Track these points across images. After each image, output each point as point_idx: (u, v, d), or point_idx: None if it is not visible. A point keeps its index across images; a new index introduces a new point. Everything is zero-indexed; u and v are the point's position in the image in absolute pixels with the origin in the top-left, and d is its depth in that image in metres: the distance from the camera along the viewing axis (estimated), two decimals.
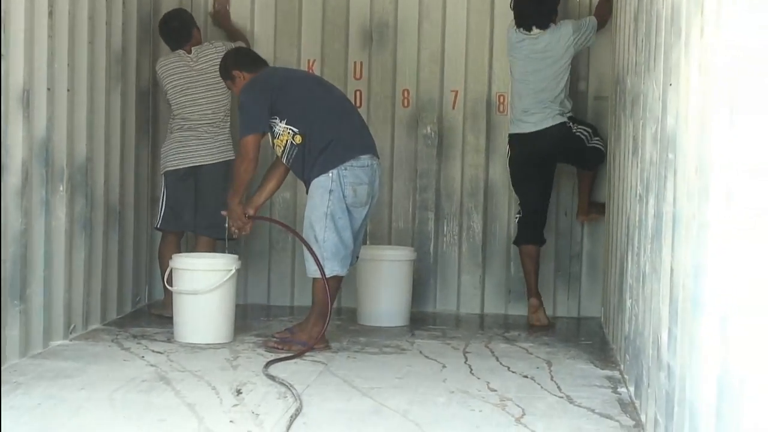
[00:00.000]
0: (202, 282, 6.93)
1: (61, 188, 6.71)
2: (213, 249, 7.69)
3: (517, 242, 8.25)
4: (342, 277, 6.81)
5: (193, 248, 7.97)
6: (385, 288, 7.88)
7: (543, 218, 8.18)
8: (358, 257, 7.10)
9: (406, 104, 8.61)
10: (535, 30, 8.06)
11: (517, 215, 8.25)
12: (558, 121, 8.07)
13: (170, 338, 7.03)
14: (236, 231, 6.93)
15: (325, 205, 6.61)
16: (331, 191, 6.61)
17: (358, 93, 8.59)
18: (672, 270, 4.27)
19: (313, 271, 6.69)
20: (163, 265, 7.78)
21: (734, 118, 3.23)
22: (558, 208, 8.44)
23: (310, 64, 8.59)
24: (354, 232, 6.75)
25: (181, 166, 7.82)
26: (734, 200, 3.19)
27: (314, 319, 6.74)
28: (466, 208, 8.58)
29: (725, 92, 3.36)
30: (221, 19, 8.60)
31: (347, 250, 6.71)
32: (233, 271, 6.95)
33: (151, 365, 6.24)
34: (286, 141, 6.72)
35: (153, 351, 6.66)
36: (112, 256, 7.62)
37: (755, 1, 3.04)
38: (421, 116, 8.60)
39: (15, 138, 6.12)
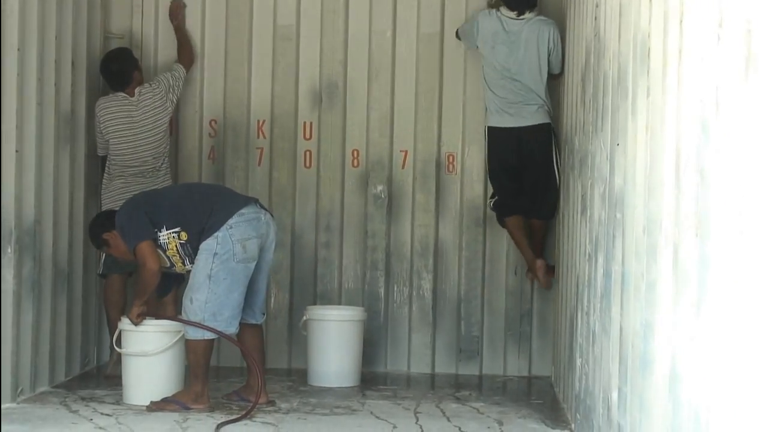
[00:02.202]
0: (152, 343, 6.88)
1: (9, 250, 6.66)
2: None
3: (499, 219, 8.28)
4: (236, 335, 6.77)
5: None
6: (336, 348, 7.85)
7: (520, 197, 8.19)
8: (264, 313, 7.07)
9: (355, 164, 8.63)
10: (527, 14, 8.11)
11: (491, 199, 8.29)
12: (544, 120, 8.09)
13: (119, 400, 6.96)
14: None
15: (209, 267, 6.58)
16: (215, 254, 6.56)
17: (308, 153, 8.61)
18: (621, 329, 4.29)
19: (190, 332, 6.65)
20: (110, 311, 7.75)
21: (681, 178, 3.27)
22: (507, 267, 8.46)
23: (260, 125, 8.61)
24: (246, 287, 6.70)
25: None
26: (681, 259, 3.22)
27: (192, 379, 6.70)
28: (416, 267, 8.59)
29: (672, 152, 3.40)
30: (175, 19, 8.55)
31: (233, 311, 6.64)
32: (182, 333, 6.91)
33: (100, 428, 6.18)
34: (176, 246, 6.71)
35: (102, 413, 6.59)
36: (60, 318, 7.55)
37: (699, 63, 3.09)
38: (370, 176, 8.62)
39: None
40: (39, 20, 7.01)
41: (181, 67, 8.30)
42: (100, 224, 7.04)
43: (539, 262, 8.18)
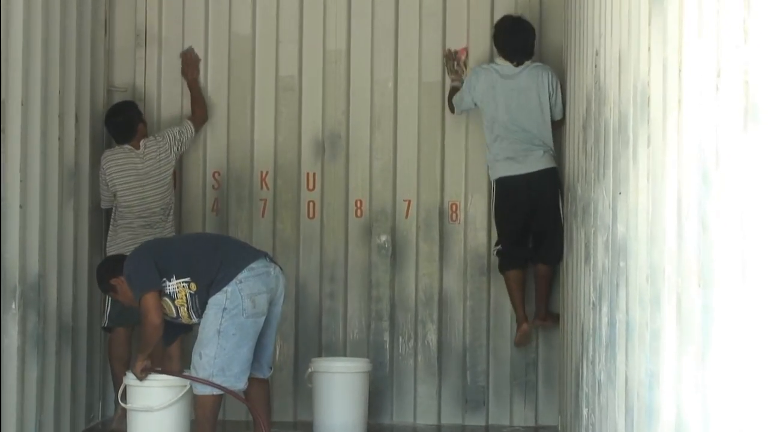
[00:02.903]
0: (157, 399, 6.85)
1: (14, 306, 6.66)
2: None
3: (500, 269, 8.26)
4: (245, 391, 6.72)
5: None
6: (342, 400, 7.82)
7: (525, 248, 8.19)
8: (271, 367, 7.02)
9: (359, 214, 8.64)
10: (526, 63, 8.13)
11: (496, 246, 8.28)
12: (551, 165, 8.11)
13: None
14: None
15: (218, 322, 6.52)
16: (224, 309, 6.51)
17: (311, 204, 8.62)
18: (627, 379, 4.27)
19: (198, 387, 6.62)
20: (115, 365, 7.73)
21: (683, 227, 3.26)
22: (512, 316, 8.43)
23: (263, 176, 8.62)
24: (255, 342, 6.64)
25: None
26: (685, 309, 3.21)
27: None
28: (420, 317, 8.57)
29: (673, 201, 3.39)
30: (189, 71, 8.58)
31: (242, 366, 6.57)
32: (188, 387, 6.88)
33: None
34: (185, 295, 6.66)
35: None
36: (65, 373, 7.53)
37: (698, 112, 3.09)
38: (374, 226, 8.62)
39: None
40: (42, 74, 7.05)
41: (191, 124, 8.31)
42: (108, 269, 6.99)
43: (524, 325, 8.17)
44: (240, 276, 6.54)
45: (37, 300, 7.00)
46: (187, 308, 6.66)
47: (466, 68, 8.47)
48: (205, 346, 6.54)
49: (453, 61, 8.49)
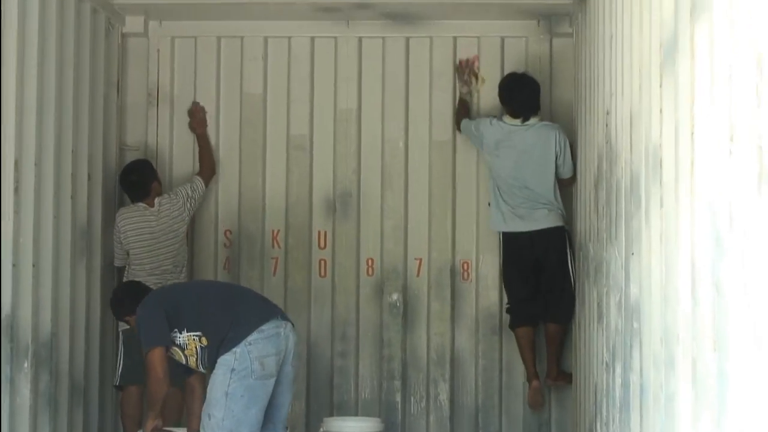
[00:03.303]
0: None
1: (26, 365, 6.65)
2: (181, 398, 7.57)
3: (510, 326, 8.25)
4: None
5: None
6: None
7: (534, 306, 8.16)
8: (287, 427, 6.92)
9: (370, 273, 8.63)
10: (531, 119, 8.16)
11: (507, 304, 8.28)
12: (557, 223, 8.10)
13: None
14: None
15: (226, 384, 6.46)
16: (233, 370, 6.45)
17: (322, 263, 8.62)
18: None
19: None
20: (127, 424, 7.69)
21: (696, 290, 3.26)
22: (525, 377, 8.37)
23: (275, 234, 8.63)
24: (265, 404, 6.55)
25: None
26: (700, 372, 3.20)
27: None
28: (432, 376, 8.54)
29: (687, 264, 3.39)
30: (197, 125, 8.61)
31: (251, 428, 6.47)
32: None
33: None
34: (195, 348, 6.63)
35: None
36: None
37: (711, 176, 3.10)
38: (385, 285, 8.61)
39: None
40: (56, 134, 7.08)
41: (201, 180, 8.34)
42: (121, 304, 7.00)
43: (535, 383, 8.14)
44: (249, 338, 6.48)
45: (49, 359, 6.99)
46: (196, 360, 6.62)
47: (477, 78, 8.49)
48: (214, 407, 6.49)
49: (466, 70, 8.50)
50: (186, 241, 8.28)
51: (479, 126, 8.24)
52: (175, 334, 6.57)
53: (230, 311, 6.59)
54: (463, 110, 8.45)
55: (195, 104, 8.65)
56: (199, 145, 8.55)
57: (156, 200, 8.10)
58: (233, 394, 6.42)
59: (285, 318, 6.77)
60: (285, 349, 6.59)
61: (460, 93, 8.52)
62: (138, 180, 8.15)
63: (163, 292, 6.95)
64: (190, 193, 8.23)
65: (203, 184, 8.36)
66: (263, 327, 6.52)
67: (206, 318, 6.59)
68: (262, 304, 6.85)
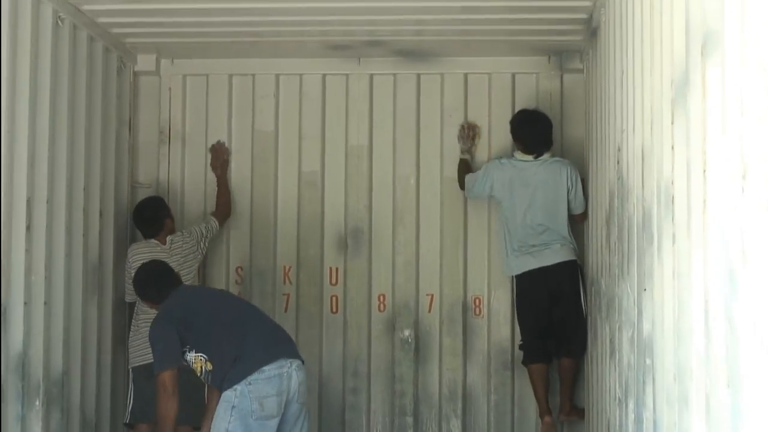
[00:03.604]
0: None
1: (37, 403, 6.65)
2: None
3: (524, 362, 8.23)
4: None
5: None
6: None
7: (548, 342, 8.14)
8: None
9: (382, 309, 8.63)
10: (544, 155, 8.17)
11: (520, 341, 8.26)
12: (569, 258, 8.10)
13: None
14: None
15: (227, 421, 6.43)
16: (233, 407, 6.42)
17: (334, 298, 8.62)
18: None
19: None
20: None
21: (710, 327, 3.26)
22: (537, 412, 8.35)
23: (286, 270, 8.63)
24: None
25: (151, 360, 7.76)
26: (713, 409, 3.20)
27: None
28: (444, 412, 8.52)
29: (700, 300, 3.39)
30: (216, 167, 8.65)
31: None
32: None
33: None
34: (201, 367, 6.63)
35: None
36: None
37: (724, 213, 3.10)
38: (397, 321, 8.61)
39: None
40: (68, 171, 7.10)
41: (215, 220, 8.36)
42: (143, 290, 6.99)
43: (548, 419, 8.11)
44: (250, 378, 6.43)
45: (60, 396, 6.99)
46: (202, 377, 6.63)
47: (474, 142, 8.52)
48: None
49: (470, 134, 8.53)
50: (197, 279, 8.28)
51: (488, 170, 8.24)
52: (185, 350, 6.59)
53: (236, 344, 6.55)
54: (464, 169, 8.46)
55: (220, 144, 8.69)
56: (218, 185, 8.58)
57: (168, 237, 8.11)
58: (233, 431, 6.41)
59: (292, 355, 6.66)
60: (288, 389, 6.53)
61: (461, 152, 8.54)
62: (151, 216, 8.16)
63: (177, 307, 6.81)
64: (204, 232, 8.25)
65: (218, 225, 8.38)
66: (265, 368, 6.46)
67: (214, 345, 6.57)
68: (269, 339, 6.73)
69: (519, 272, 8.16)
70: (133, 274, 7.98)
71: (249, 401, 6.40)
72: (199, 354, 6.58)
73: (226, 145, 8.72)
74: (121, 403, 8.06)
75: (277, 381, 6.46)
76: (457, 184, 8.48)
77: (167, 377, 6.54)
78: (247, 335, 6.64)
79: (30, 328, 6.54)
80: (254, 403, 6.40)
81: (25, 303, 6.48)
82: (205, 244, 8.24)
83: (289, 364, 6.56)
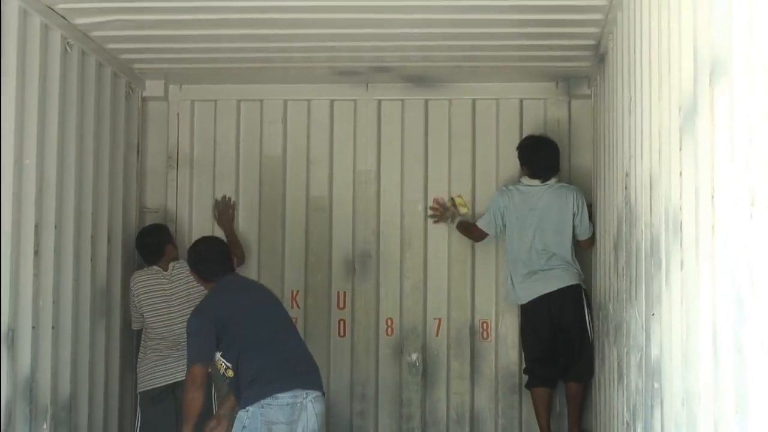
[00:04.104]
0: None
1: (45, 426, 6.65)
2: None
3: (527, 386, 8.26)
4: None
5: None
6: None
7: (553, 368, 8.15)
8: None
9: (389, 333, 8.64)
10: (552, 181, 8.19)
11: (524, 366, 8.30)
12: (572, 282, 8.10)
13: None
14: None
15: None
16: (244, 427, 6.46)
17: (341, 323, 8.63)
18: None
19: None
20: None
21: (718, 353, 3.26)
22: None
23: (294, 295, 8.64)
24: None
25: (158, 385, 7.78)
26: None
27: None
28: None
29: (708, 326, 3.39)
30: (223, 221, 8.65)
31: None
32: None
33: None
34: (220, 370, 6.68)
35: None
36: None
37: (732, 240, 3.10)
38: (404, 344, 8.61)
39: None
40: (76, 197, 7.12)
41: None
42: (196, 264, 7.01)
43: None
44: (263, 401, 6.48)
45: (68, 420, 6.99)
46: (220, 375, 6.71)
47: (456, 209, 8.52)
48: None
49: (446, 212, 8.54)
50: None
51: (494, 201, 8.27)
52: (213, 359, 6.65)
53: (258, 366, 6.55)
54: (467, 225, 8.49)
55: (226, 199, 8.71)
56: (228, 239, 8.53)
57: (170, 264, 8.09)
58: None
59: (310, 386, 6.64)
60: (297, 420, 6.51)
61: (452, 221, 8.55)
62: (152, 242, 8.15)
63: (221, 306, 6.77)
64: None
65: None
66: (279, 395, 6.47)
67: (240, 358, 6.58)
68: (291, 366, 6.69)
69: (524, 302, 8.17)
70: (135, 302, 7.98)
71: (259, 424, 6.43)
72: (223, 359, 6.62)
73: (233, 169, 8.73)
74: (128, 426, 8.07)
75: (289, 410, 6.48)
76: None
77: (198, 371, 6.61)
78: (270, 357, 6.62)
79: (38, 351, 6.55)
80: (263, 427, 6.42)
81: (33, 327, 6.49)
82: None
83: (304, 395, 6.55)
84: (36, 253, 6.53)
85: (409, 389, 8.60)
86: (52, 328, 6.77)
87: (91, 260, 7.44)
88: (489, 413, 8.51)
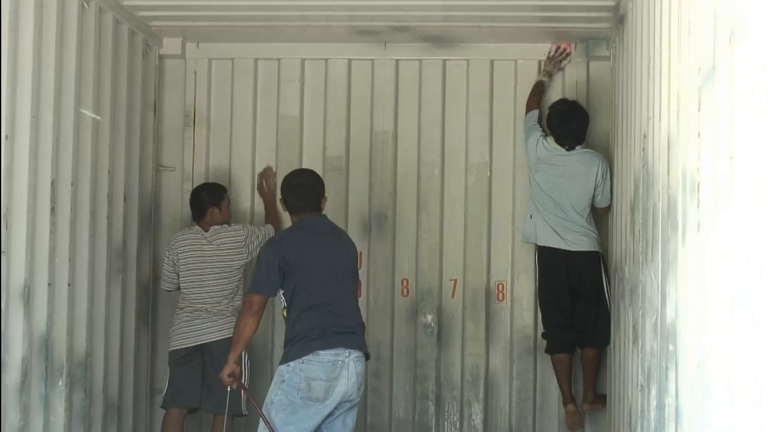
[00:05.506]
0: None
1: (61, 383, 6.68)
2: (229, 427, 7.58)
3: (547, 351, 8.27)
4: None
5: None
6: None
7: (570, 333, 8.17)
8: None
9: (405, 294, 8.63)
10: (577, 148, 8.17)
11: (543, 330, 8.30)
12: (591, 248, 8.11)
13: None
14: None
15: (274, 392, 6.51)
16: (283, 381, 6.50)
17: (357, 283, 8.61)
18: None
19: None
20: None
21: (734, 316, 3.24)
22: (559, 398, 8.36)
23: None
24: (309, 427, 6.52)
25: (184, 345, 7.79)
26: (737, 396, 3.18)
27: None
28: (466, 397, 8.52)
29: (725, 290, 3.37)
30: (266, 192, 8.62)
31: None
32: None
33: None
34: (280, 305, 6.72)
35: None
36: None
37: (749, 203, 3.08)
38: (420, 306, 8.61)
39: (15, 334, 6.11)
40: (92, 154, 7.13)
41: (272, 228, 8.22)
42: (284, 190, 7.04)
43: (570, 407, 8.13)
44: (305, 357, 6.51)
45: (83, 377, 7.02)
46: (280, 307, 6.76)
47: (561, 66, 8.50)
48: (264, 409, 6.55)
49: (558, 56, 8.49)
50: (242, 282, 8.05)
51: (531, 135, 8.27)
52: (275, 294, 6.70)
53: (310, 318, 6.57)
54: (538, 92, 8.46)
55: (269, 168, 8.70)
56: (267, 209, 8.54)
57: (213, 227, 8.02)
58: (277, 404, 6.47)
59: (353, 346, 6.66)
60: (338, 377, 6.54)
61: (542, 73, 8.51)
62: (199, 200, 8.06)
63: (294, 249, 6.73)
64: (258, 232, 8.08)
65: (273, 231, 8.15)
66: (321, 351, 6.51)
67: (296, 303, 6.62)
68: (339, 325, 6.68)
69: (542, 244, 8.15)
70: (174, 259, 7.96)
71: (298, 379, 6.46)
72: (283, 298, 6.67)
73: (250, 128, 8.71)
74: (143, 384, 8.11)
75: (330, 367, 6.51)
76: (481, 171, 8.53)
77: (256, 300, 6.64)
78: (320, 313, 6.63)
79: (54, 309, 6.57)
80: (302, 382, 6.46)
81: (49, 284, 6.51)
82: (254, 244, 8.05)
83: (347, 354, 6.60)
84: (52, 209, 6.54)
85: (424, 350, 8.61)
86: (68, 285, 6.79)
87: (108, 218, 7.44)
88: (504, 375, 8.51)
